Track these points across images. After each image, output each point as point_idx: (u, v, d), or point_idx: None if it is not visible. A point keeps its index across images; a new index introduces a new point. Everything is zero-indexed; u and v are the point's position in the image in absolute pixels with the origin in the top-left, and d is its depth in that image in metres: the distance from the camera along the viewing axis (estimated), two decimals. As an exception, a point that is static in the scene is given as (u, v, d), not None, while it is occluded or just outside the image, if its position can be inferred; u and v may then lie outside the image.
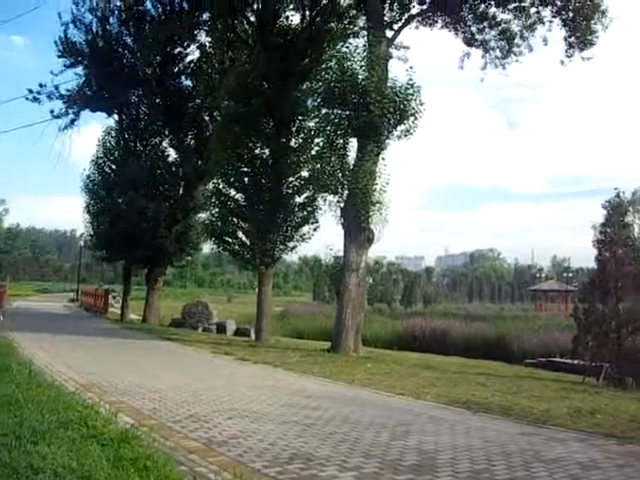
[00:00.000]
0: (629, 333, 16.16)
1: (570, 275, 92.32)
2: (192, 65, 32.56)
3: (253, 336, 25.08)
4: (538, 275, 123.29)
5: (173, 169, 33.47)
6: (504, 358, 26.49)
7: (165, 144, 34.06)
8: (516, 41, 23.54)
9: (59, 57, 31.32)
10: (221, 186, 24.62)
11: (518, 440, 7.24)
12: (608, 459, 6.37)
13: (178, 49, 32.68)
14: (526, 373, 18.44)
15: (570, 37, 22.49)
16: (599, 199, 17.65)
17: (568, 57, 22.88)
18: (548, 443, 7.11)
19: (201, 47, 31.24)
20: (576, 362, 18.30)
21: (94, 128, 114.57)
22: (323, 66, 20.61)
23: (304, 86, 23.21)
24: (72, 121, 31.87)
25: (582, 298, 18.64)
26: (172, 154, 33.96)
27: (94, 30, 31.22)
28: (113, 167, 33.73)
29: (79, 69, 31.86)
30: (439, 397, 10.52)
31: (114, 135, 34.26)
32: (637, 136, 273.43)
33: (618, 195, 17.64)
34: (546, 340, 28.79)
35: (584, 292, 19.01)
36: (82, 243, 62.25)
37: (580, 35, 22.21)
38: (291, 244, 24.41)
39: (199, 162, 31.86)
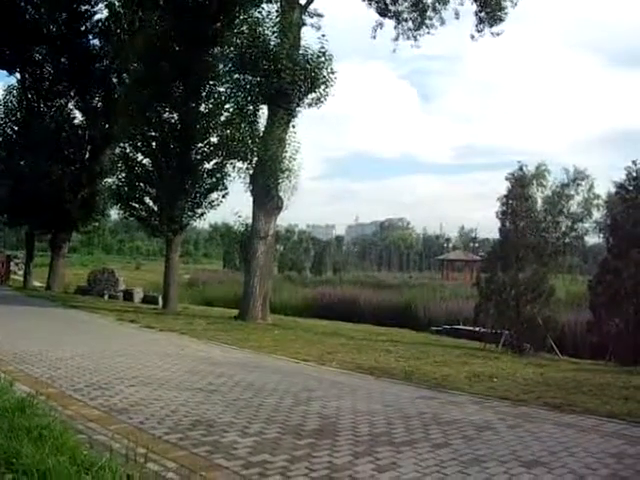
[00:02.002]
0: (527, 302, 16.77)
1: (477, 245, 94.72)
2: (100, 25, 31.47)
3: (161, 304, 24.83)
4: (446, 245, 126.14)
5: (79, 132, 32.45)
6: (411, 325, 27.05)
7: (71, 106, 32.90)
8: (428, 13, 23.78)
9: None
10: (128, 150, 24.13)
11: (417, 404, 7.44)
12: (501, 420, 6.62)
13: (85, 6, 31.51)
14: (431, 340, 18.95)
15: (480, 12, 22.92)
16: (506, 172, 18.09)
17: (478, 32, 23.37)
18: (446, 406, 7.33)
19: (110, 6, 29.83)
20: (478, 329, 18.90)
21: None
22: (235, 31, 20.32)
23: (215, 50, 22.84)
24: (-31, 78, 30.48)
25: (484, 268, 19.24)
26: (78, 116, 32.93)
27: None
28: (15, 128, 32.45)
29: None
30: (344, 363, 10.69)
31: (16, 95, 32.82)
32: (544, 112, 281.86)
33: (521, 168, 18.16)
34: (451, 308, 29.54)
35: (487, 262, 19.59)
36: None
37: (490, 10, 22.66)
38: (200, 211, 24.29)
39: (106, 125, 30.89)
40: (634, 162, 16.28)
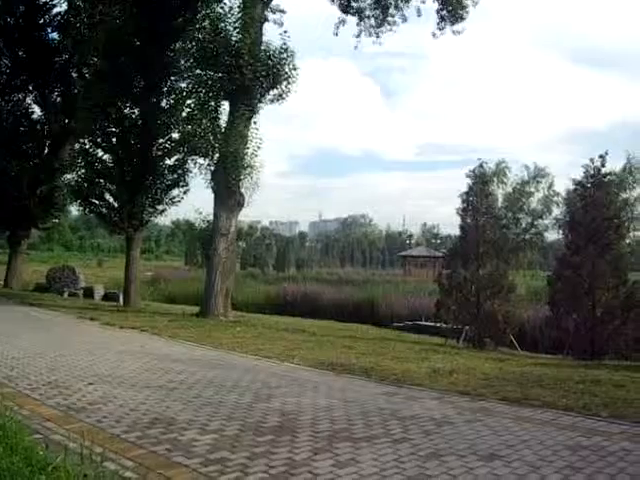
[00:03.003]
0: (488, 297, 17.01)
1: (439, 241, 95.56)
2: (59, 18, 30.79)
3: (122, 301, 24.60)
4: (408, 241, 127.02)
5: (38, 127, 31.70)
6: (374, 322, 27.24)
7: (29, 100, 32.07)
8: (391, 11, 23.84)
9: None
10: (88, 146, 23.76)
11: (378, 399, 7.46)
12: (460, 415, 6.68)
13: (44, -1, 30.93)
14: (392, 336, 19.07)
15: (442, 10, 23.06)
16: (468, 169, 18.31)
17: (440, 30, 23.50)
18: (406, 402, 7.37)
19: (69, -1, 29.50)
20: (439, 325, 19.08)
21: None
22: (196, 26, 20.16)
23: (177, 46, 22.58)
24: None
25: (446, 264, 19.42)
26: (37, 111, 32.14)
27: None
28: (-29, 123, 31.67)
29: None
30: (305, 359, 10.67)
31: (-28, 89, 32.06)
32: (507, 110, 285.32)
33: (481, 165, 18.41)
34: (414, 304, 29.78)
35: (448, 258, 19.78)
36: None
37: (451, 9, 22.81)
38: (160, 207, 24.06)
39: (66, 120, 30.35)
40: (591, 160, 16.56)
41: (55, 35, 31.52)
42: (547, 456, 5.19)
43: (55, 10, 30.98)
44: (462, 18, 23.02)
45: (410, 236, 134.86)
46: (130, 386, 7.87)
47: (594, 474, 4.76)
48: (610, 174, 18.35)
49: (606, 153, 16.72)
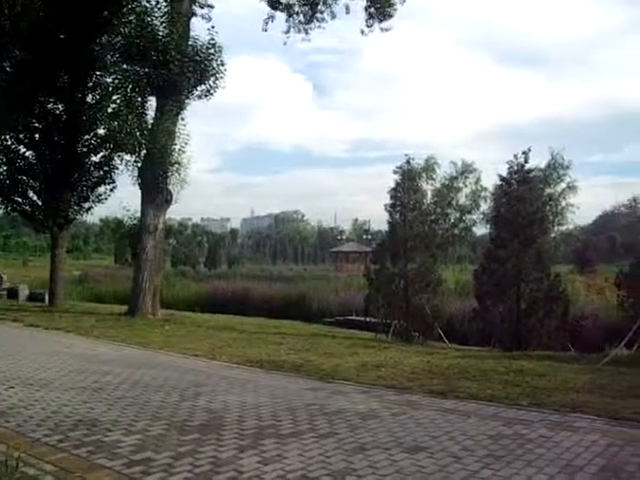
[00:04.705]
0: (416, 292, 17.21)
1: (370, 237, 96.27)
2: (-23, 9, 29.89)
3: (47, 301, 24.03)
4: (340, 237, 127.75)
5: (-44, 123, 30.73)
6: (304, 317, 27.21)
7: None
8: (319, 7, 23.86)
9: None
10: (9, 142, 23.03)
11: (305, 395, 7.49)
12: (386, 408, 6.76)
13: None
14: (323, 331, 19.10)
15: (370, 7, 23.21)
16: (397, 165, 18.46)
17: (368, 27, 23.64)
18: (333, 397, 7.41)
19: (-13, -11, 28.57)
20: (369, 320, 19.23)
21: None
22: (123, 20, 19.86)
23: (103, 40, 22.14)
24: None
25: (374, 259, 19.58)
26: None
27: None
28: None
29: None
30: (233, 357, 10.65)
31: None
32: (437, 107, 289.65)
33: (408, 161, 18.55)
34: (344, 299, 29.86)
35: (376, 253, 19.94)
36: None
37: (379, 6, 22.98)
38: (87, 205, 23.63)
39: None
40: (515, 156, 16.91)
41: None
42: (469, 446, 5.31)
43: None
44: (390, 16, 23.23)
45: (342, 232, 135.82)
46: (53, 388, 7.70)
47: (514, 461, 4.90)
48: (534, 170, 18.77)
49: (529, 149, 17.08)
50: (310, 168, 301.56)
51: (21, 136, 22.75)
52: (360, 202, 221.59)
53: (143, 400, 7.09)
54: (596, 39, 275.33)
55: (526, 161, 16.91)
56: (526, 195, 16.74)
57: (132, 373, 8.87)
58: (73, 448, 5.22)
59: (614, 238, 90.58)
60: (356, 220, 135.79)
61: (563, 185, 60.92)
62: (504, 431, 5.80)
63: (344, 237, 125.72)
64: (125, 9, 20.33)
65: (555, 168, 60.36)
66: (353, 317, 24.69)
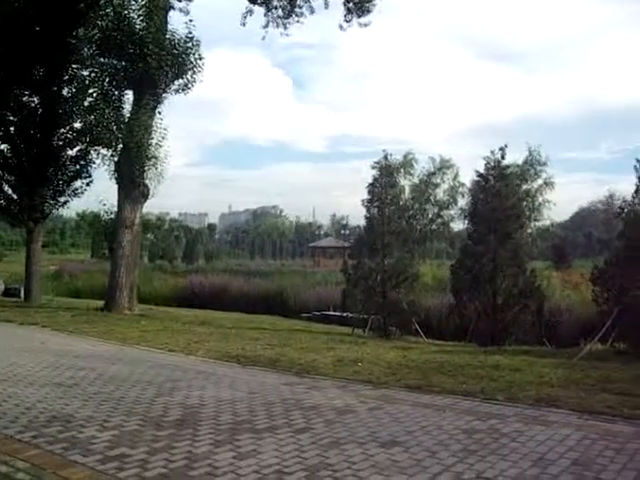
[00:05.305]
0: (393, 287, 17.28)
1: (347, 232, 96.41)
2: (-49, 0, 29.51)
3: (23, 296, 23.84)
4: (318, 232, 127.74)
5: None
6: (282, 312, 27.30)
7: None
8: (298, 2, 23.75)
9: None
10: (-17, 136, 22.85)
11: (281, 390, 7.49)
12: (362, 403, 6.77)
13: None
14: (300, 326, 19.15)
15: (348, 2, 23.13)
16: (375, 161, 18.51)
17: (347, 22, 23.54)
18: (309, 392, 7.42)
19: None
20: (346, 315, 19.29)
21: None
22: (99, 12, 19.64)
23: (79, 32, 21.91)
24: None
25: (351, 254, 19.63)
26: None
27: None
28: None
29: None
30: (210, 352, 10.62)
31: None
32: (417, 103, 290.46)
33: (386, 157, 18.61)
34: (322, 294, 29.94)
35: (353, 249, 20.00)
36: None
37: (358, 1, 22.92)
38: (62, 199, 23.49)
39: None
40: (492, 152, 17.02)
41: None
42: (444, 440, 5.33)
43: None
44: (369, 11, 23.17)
45: (319, 227, 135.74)
46: (28, 384, 7.63)
47: (488, 455, 4.92)
48: (510, 166, 18.92)
49: (506, 146, 17.24)
50: (289, 163, 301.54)
51: (-5, 130, 22.53)
52: (338, 197, 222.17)
53: (118, 396, 7.04)
54: (574, 37, 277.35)
55: (503, 157, 17.05)
56: (502, 191, 16.86)
57: (108, 368, 8.82)
58: (47, 444, 5.17)
59: (591, 234, 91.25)
60: (334, 215, 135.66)
61: (540, 181, 61.21)
62: (479, 425, 5.84)
63: (322, 232, 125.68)
64: (102, 1, 20.09)
65: (532, 164, 60.62)
66: (331, 312, 24.77)
